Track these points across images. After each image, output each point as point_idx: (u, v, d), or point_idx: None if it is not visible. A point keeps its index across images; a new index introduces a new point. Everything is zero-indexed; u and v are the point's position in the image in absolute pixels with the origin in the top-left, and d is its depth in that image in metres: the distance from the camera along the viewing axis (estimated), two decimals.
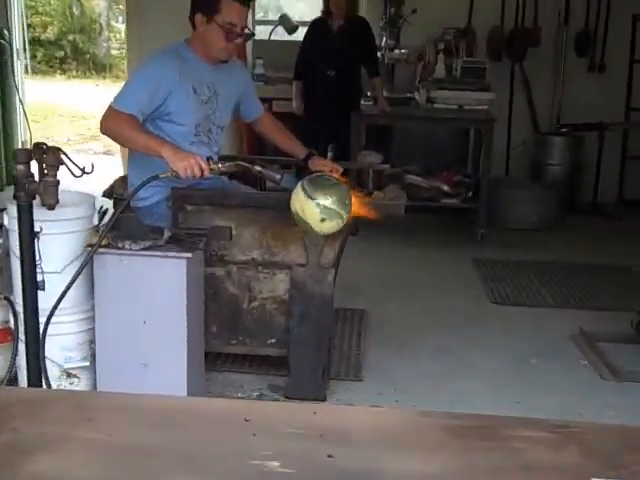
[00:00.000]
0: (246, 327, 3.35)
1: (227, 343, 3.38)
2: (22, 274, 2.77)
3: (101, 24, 17.92)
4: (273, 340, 3.36)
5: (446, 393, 3.44)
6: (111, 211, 3.73)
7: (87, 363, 3.11)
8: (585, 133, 6.96)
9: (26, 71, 16.59)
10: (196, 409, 1.49)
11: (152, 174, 3.20)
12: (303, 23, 6.73)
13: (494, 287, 4.84)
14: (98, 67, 17.20)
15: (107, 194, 3.93)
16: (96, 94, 11.70)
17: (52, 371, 3.00)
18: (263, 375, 3.49)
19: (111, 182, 3.90)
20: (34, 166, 2.69)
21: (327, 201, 2.88)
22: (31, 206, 2.72)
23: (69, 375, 3.11)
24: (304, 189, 2.92)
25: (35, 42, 17.08)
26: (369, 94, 6.42)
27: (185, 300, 2.93)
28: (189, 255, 2.91)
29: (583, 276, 5.11)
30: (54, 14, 17.41)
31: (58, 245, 3.00)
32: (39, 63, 17.33)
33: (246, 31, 3.37)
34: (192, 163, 2.98)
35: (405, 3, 6.38)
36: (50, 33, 17.20)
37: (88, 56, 17.45)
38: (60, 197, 3.05)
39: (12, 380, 3.12)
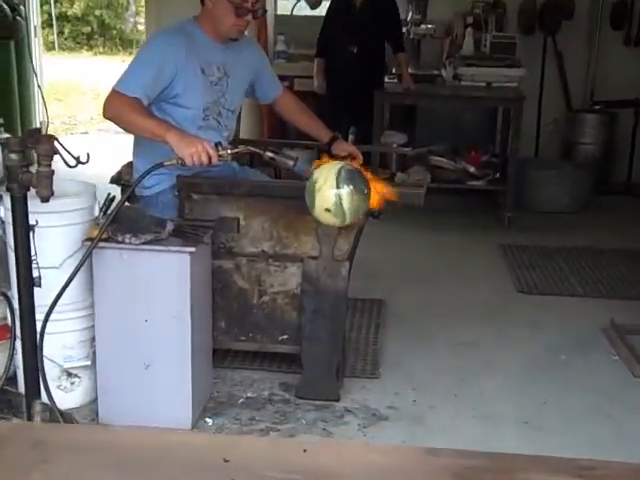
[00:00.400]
0: (256, 323, 3.19)
1: (236, 339, 3.21)
2: (17, 270, 2.62)
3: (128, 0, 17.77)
4: (285, 336, 3.19)
5: (468, 392, 3.25)
6: (118, 199, 3.62)
7: (88, 362, 2.97)
8: (619, 110, 6.67)
9: (52, 47, 16.60)
10: (169, 446, 1.31)
11: (157, 161, 3.05)
12: None
13: (521, 275, 4.63)
14: (125, 43, 17.08)
15: (115, 180, 3.79)
16: (122, 71, 11.54)
17: (51, 371, 2.87)
18: (274, 372, 3.32)
19: (119, 168, 3.79)
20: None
21: (345, 200, 2.70)
22: (25, 198, 2.56)
23: (69, 375, 2.98)
24: (339, 173, 2.73)
25: (62, 18, 17.02)
26: (393, 71, 6.20)
27: (189, 297, 2.77)
28: (192, 249, 2.74)
29: (616, 262, 4.88)
30: None
31: (56, 238, 2.86)
32: (66, 39, 17.26)
33: (258, 6, 3.16)
34: (199, 149, 2.80)
35: None
36: (77, 8, 17.11)
37: (115, 32, 17.36)
38: (59, 186, 2.89)
39: (10, 379, 2.98)
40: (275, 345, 3.22)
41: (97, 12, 17.26)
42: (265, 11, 3.25)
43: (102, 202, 3.30)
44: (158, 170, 3.09)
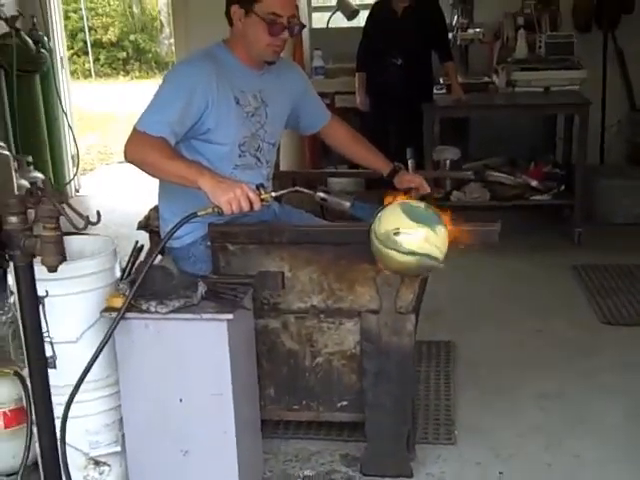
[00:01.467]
0: (310, 388, 2.75)
1: (288, 408, 2.78)
2: (26, 349, 2.21)
3: (162, 21, 17.54)
4: (344, 403, 2.75)
5: (563, 459, 2.77)
6: (147, 248, 3.22)
7: (118, 448, 2.55)
8: None
9: (89, 75, 16.45)
10: None
11: (187, 210, 2.60)
12: (364, 6, 6.05)
13: (602, 302, 4.12)
14: (161, 66, 16.85)
15: (142, 226, 3.40)
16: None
17: (76, 460, 2.46)
18: (334, 442, 2.88)
19: (146, 212, 3.39)
20: None
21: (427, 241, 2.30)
22: (31, 267, 2.16)
23: (97, 463, 2.56)
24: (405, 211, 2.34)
25: (97, 44, 16.89)
26: (441, 81, 5.74)
27: (229, 371, 2.34)
28: (230, 316, 2.31)
29: None
30: (114, 14, 17.23)
31: (71, 308, 2.45)
32: (102, 66, 17.14)
33: (295, 22, 2.72)
34: (238, 194, 2.35)
35: None
36: (111, 34, 17.00)
37: (150, 55, 17.17)
38: (72, 245, 2.51)
39: (32, 468, 2.57)
40: (333, 413, 2.77)
41: (132, 37, 17.12)
42: (303, 26, 2.80)
43: (130, 253, 2.94)
44: None
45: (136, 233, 3.21)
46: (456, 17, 5.87)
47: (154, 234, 3.16)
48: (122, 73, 17.00)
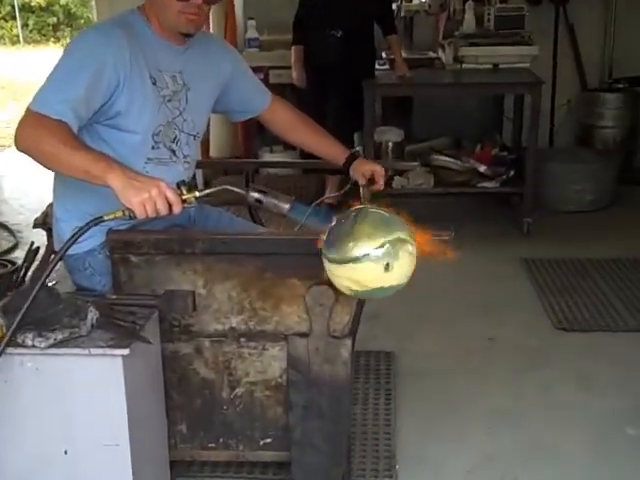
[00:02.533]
0: (228, 424, 2.34)
1: (203, 447, 2.37)
2: None
3: None
4: (268, 440, 2.35)
5: None
6: (43, 249, 2.78)
7: None
8: None
9: (17, 41, 15.65)
10: None
11: (87, 211, 2.17)
12: None
13: (554, 302, 3.80)
14: None
15: (39, 224, 2.97)
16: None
17: None
18: None
19: (44, 208, 2.95)
20: None
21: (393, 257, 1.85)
22: None
23: None
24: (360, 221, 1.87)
25: (25, 9, 16.07)
26: (384, 56, 5.34)
27: (125, 416, 1.92)
28: (125, 351, 1.88)
29: None
30: None
31: None
32: (31, 32, 16.36)
33: None
34: (154, 194, 1.91)
35: None
36: None
37: (82, 21, 16.39)
38: None
39: None
40: (255, 452, 2.37)
41: (62, 1, 16.33)
42: None
43: (24, 257, 2.52)
44: (87, 220, 2.27)
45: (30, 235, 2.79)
46: None
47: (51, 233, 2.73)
48: (52, 39, 16.25)
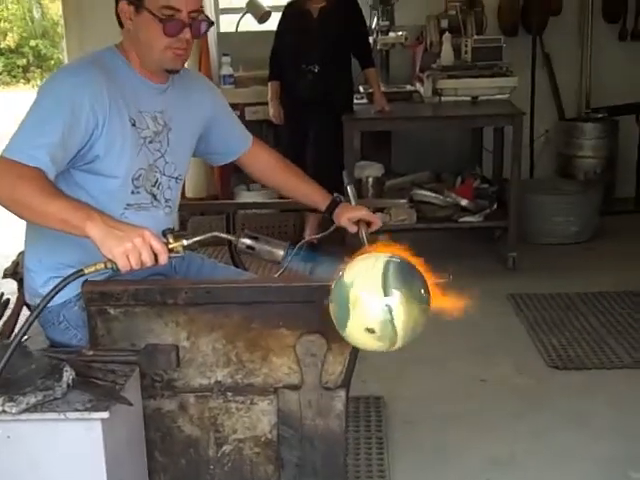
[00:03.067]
0: None
1: None
2: None
3: (63, 26, 16.62)
4: None
5: None
6: (14, 300, 2.64)
7: None
8: (620, 117, 5.79)
9: None
10: None
11: (61, 262, 2.12)
12: (276, 8, 5.49)
13: (546, 340, 3.70)
14: None
15: (9, 273, 2.84)
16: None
17: None
18: None
19: (15, 257, 2.81)
20: None
21: (397, 313, 1.72)
22: None
23: None
24: (386, 273, 1.73)
25: None
26: (362, 90, 5.27)
27: None
28: (104, 415, 1.74)
29: None
30: (13, 19, 16.25)
31: None
32: (0, 74, 16.19)
33: (199, 18, 2.11)
34: (138, 244, 1.77)
35: None
36: (10, 40, 16.06)
37: (52, 62, 16.28)
38: None
39: None
40: None
41: (32, 43, 16.22)
42: (211, 23, 2.22)
43: None
44: (60, 271, 2.13)
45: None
46: (376, 19, 5.39)
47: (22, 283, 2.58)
48: (22, 81, 16.10)
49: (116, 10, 2.12)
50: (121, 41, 2.18)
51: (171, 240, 1.88)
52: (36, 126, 1.95)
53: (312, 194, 2.46)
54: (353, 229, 2.34)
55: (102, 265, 1.80)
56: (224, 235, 2.13)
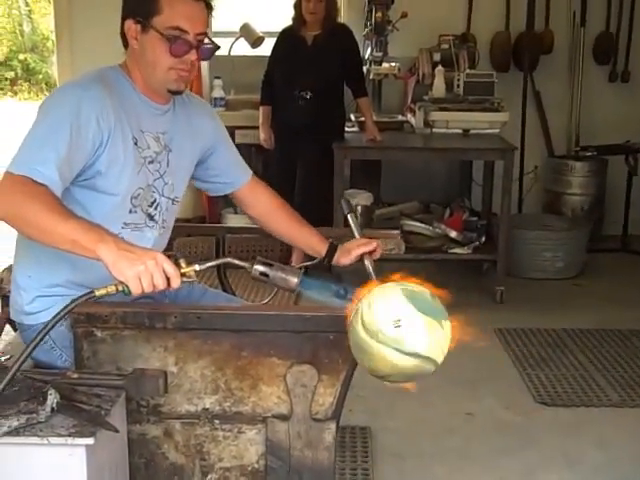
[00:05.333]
0: None
1: None
2: None
3: (54, 41, 16.62)
4: None
5: None
6: None
7: None
8: (609, 156, 5.81)
9: None
10: None
11: (57, 282, 2.11)
12: (270, 34, 5.50)
13: (534, 376, 3.67)
14: (52, 87, 15.94)
15: None
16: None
17: None
18: None
19: None
20: None
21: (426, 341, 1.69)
22: None
23: None
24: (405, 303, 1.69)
25: None
26: (353, 118, 5.26)
27: None
28: (89, 441, 1.68)
29: None
30: (2, 32, 16.27)
31: None
32: None
33: (205, 41, 2.08)
34: (150, 268, 1.72)
35: (393, 6, 5.24)
36: None
37: (41, 76, 16.25)
38: None
39: None
40: None
41: (21, 56, 16.21)
42: (217, 47, 2.19)
43: None
44: (49, 289, 2.10)
45: None
46: (369, 50, 5.41)
47: (7, 300, 2.52)
48: (9, 94, 16.07)
49: (121, 30, 2.10)
50: (124, 61, 2.15)
51: (183, 265, 1.83)
52: (42, 140, 1.90)
53: (309, 239, 2.38)
54: (358, 263, 2.28)
55: (113, 288, 1.75)
56: (238, 262, 2.05)
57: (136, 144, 2.08)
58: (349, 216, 2.36)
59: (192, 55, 2.04)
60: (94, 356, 2.04)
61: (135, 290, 1.73)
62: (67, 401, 1.80)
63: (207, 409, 2.08)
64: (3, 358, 2.49)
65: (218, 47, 2.18)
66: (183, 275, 1.81)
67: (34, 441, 1.68)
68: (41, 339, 1.73)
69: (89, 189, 2.04)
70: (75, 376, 1.93)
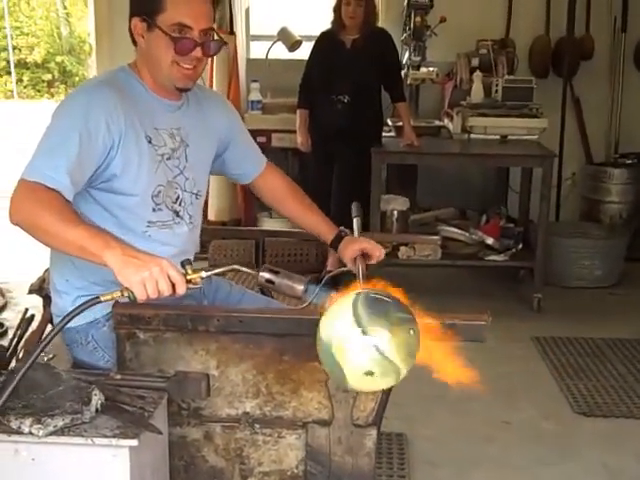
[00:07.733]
0: None
1: None
2: None
3: (91, 44, 16.75)
4: None
5: None
6: (39, 317, 2.59)
7: None
8: None
9: (12, 96, 15.66)
10: None
11: (92, 283, 2.11)
12: (308, 38, 5.51)
13: (572, 385, 3.62)
14: None
15: (35, 289, 2.79)
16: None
17: None
18: None
19: (41, 273, 2.77)
20: None
21: (387, 345, 1.65)
22: None
23: None
24: (356, 313, 1.68)
25: (21, 65, 16.09)
26: (390, 123, 5.24)
27: None
28: (134, 442, 1.68)
29: None
30: (40, 35, 16.43)
31: None
32: (25, 87, 16.34)
33: (210, 37, 2.09)
34: (155, 274, 1.73)
35: (432, 11, 5.21)
36: (37, 55, 16.23)
37: (77, 78, 16.41)
38: None
39: None
40: None
41: (58, 58, 16.37)
42: (223, 43, 2.19)
43: (17, 325, 2.32)
44: (89, 289, 2.11)
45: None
46: (407, 54, 5.38)
47: (48, 300, 2.54)
48: (46, 95, 16.24)
49: (130, 27, 2.11)
50: (134, 60, 2.16)
51: (189, 271, 1.83)
52: (53, 147, 1.93)
53: (318, 225, 2.40)
54: (350, 265, 2.26)
55: (119, 293, 1.76)
56: (244, 269, 2.05)
57: (150, 142, 2.09)
58: (355, 220, 2.38)
59: (197, 52, 2.05)
60: (136, 358, 2.05)
61: (140, 296, 1.73)
62: (111, 402, 1.80)
63: (248, 413, 2.08)
64: (45, 358, 2.50)
65: (225, 43, 2.20)
66: (189, 282, 1.81)
67: (79, 441, 1.68)
68: (52, 338, 1.73)
69: (107, 192, 2.06)
70: (118, 377, 1.94)
